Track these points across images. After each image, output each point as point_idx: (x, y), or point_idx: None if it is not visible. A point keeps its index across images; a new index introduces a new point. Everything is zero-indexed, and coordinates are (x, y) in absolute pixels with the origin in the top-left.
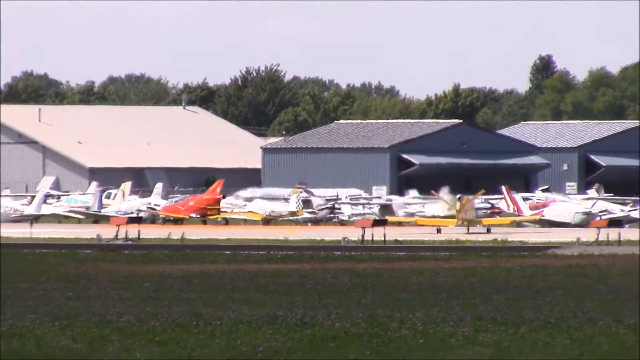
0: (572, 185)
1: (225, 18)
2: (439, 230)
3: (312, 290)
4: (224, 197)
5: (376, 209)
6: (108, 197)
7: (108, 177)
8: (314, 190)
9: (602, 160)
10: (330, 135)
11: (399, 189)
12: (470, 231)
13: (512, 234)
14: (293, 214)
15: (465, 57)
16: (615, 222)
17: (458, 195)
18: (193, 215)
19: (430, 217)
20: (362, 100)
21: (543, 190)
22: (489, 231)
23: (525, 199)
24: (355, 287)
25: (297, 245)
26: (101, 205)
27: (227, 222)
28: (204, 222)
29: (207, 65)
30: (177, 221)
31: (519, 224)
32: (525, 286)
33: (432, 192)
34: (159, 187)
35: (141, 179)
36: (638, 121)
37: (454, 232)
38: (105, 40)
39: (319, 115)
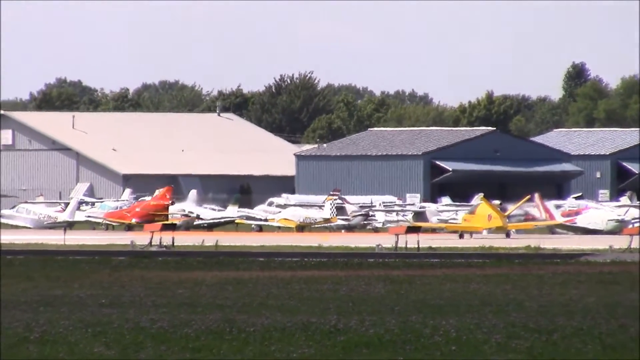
0: (604, 193)
1: (260, 25)
2: (461, 236)
3: (345, 297)
4: (172, 203)
5: (410, 216)
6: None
7: (142, 184)
8: (348, 197)
9: (634, 168)
10: (364, 142)
11: (432, 196)
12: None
13: (545, 241)
14: (327, 220)
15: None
16: None
17: (498, 202)
18: (137, 221)
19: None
20: (395, 108)
21: (576, 198)
22: (508, 236)
23: (557, 206)
24: (389, 293)
25: (331, 252)
26: None
27: (261, 229)
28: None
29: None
30: (211, 227)
31: (551, 231)
32: (557, 293)
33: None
34: (193, 194)
35: (175, 186)
36: None
37: (479, 238)
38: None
39: (353, 123)
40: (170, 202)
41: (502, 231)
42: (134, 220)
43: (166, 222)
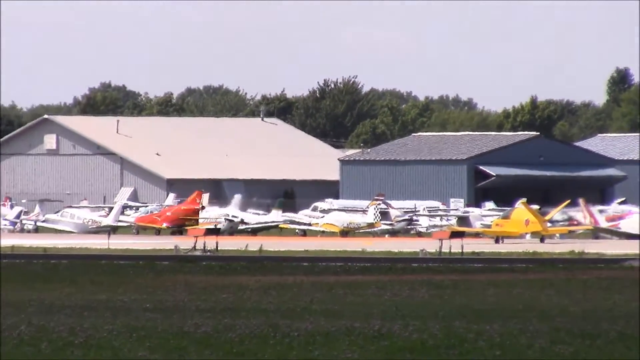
0: None
1: (303, 30)
2: (497, 240)
3: (389, 301)
4: (202, 207)
5: (454, 221)
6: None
7: (186, 189)
8: (392, 202)
9: None
10: (408, 147)
11: (476, 200)
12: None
13: (588, 246)
14: (371, 225)
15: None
16: None
17: (537, 207)
18: (169, 225)
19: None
20: (439, 113)
21: (620, 203)
22: (542, 240)
23: (601, 211)
24: (432, 298)
25: (375, 257)
26: None
27: (305, 233)
28: (180, 233)
29: (285, 77)
30: (255, 232)
31: (596, 236)
32: (601, 298)
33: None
34: (237, 198)
35: (219, 191)
36: None
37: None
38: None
39: (397, 127)
40: (200, 206)
41: (538, 236)
42: (164, 225)
43: (208, 227)
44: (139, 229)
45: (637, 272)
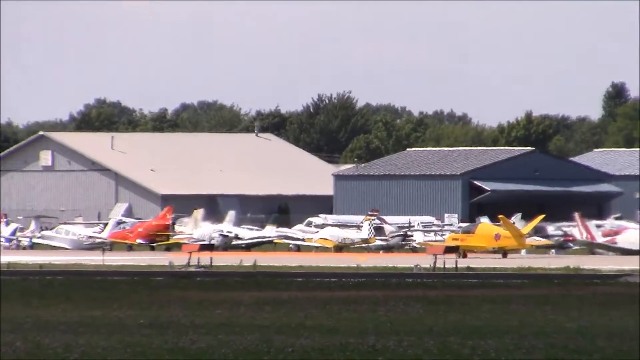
0: None
1: (297, 45)
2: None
3: (383, 317)
4: (173, 223)
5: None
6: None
7: (180, 205)
8: (386, 218)
9: None
10: (402, 162)
11: (470, 216)
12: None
13: (584, 262)
14: (365, 241)
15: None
16: None
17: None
18: (141, 241)
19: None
20: (434, 128)
21: (616, 218)
22: (504, 256)
23: (599, 226)
24: (427, 314)
25: (369, 273)
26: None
27: (299, 249)
28: (152, 249)
29: (279, 92)
30: (250, 247)
31: (592, 252)
32: (597, 314)
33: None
34: (231, 214)
35: (214, 206)
36: None
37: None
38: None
39: (391, 142)
40: (170, 222)
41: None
42: (137, 241)
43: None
44: (112, 245)
45: (633, 288)
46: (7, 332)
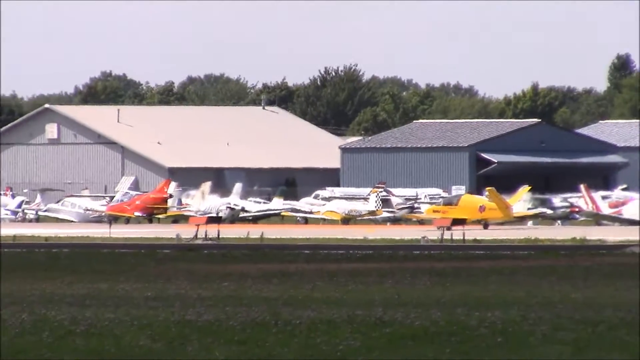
0: None
1: (304, 18)
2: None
3: (391, 289)
4: (170, 196)
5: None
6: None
7: (187, 177)
8: (393, 190)
9: None
10: (409, 134)
11: (477, 188)
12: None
13: (590, 233)
14: (372, 213)
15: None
16: None
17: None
18: (139, 214)
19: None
20: (441, 100)
21: (622, 189)
22: (485, 227)
23: (605, 197)
24: (434, 286)
25: (376, 245)
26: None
27: (306, 221)
28: (150, 221)
29: (286, 65)
30: (257, 220)
31: (597, 223)
32: (603, 285)
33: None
34: (238, 187)
35: (220, 179)
36: None
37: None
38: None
39: (398, 115)
40: (168, 194)
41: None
42: (135, 214)
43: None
44: (113, 219)
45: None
46: (13, 304)
